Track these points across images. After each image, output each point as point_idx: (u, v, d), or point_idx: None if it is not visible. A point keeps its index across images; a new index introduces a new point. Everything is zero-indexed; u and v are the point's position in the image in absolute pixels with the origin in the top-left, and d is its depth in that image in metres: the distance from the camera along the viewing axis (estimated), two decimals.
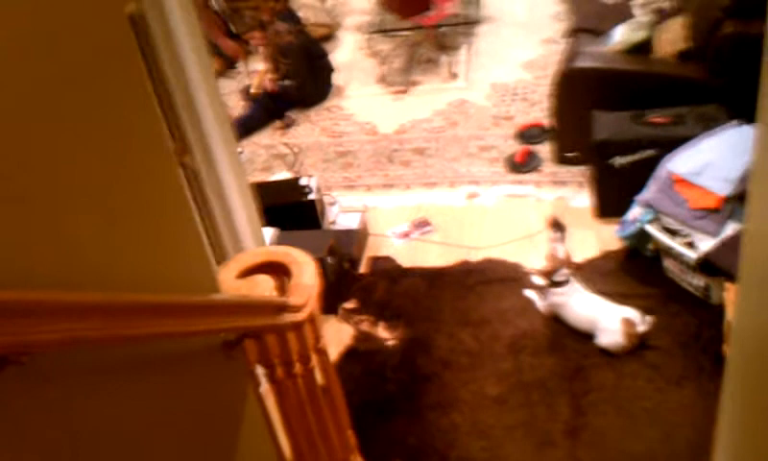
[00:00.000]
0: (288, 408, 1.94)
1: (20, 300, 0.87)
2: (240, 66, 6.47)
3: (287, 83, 5.52)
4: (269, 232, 3.61)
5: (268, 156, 5.19)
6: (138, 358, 1.27)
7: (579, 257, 3.65)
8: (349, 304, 3.70)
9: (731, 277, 2.82)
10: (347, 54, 6.31)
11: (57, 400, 1.02)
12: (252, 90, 5.56)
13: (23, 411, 0.96)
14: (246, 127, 5.43)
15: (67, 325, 0.94)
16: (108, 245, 1.21)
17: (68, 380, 1.06)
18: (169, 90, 2.75)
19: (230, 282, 1.94)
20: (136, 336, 1.15)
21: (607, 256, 3.67)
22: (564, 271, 3.29)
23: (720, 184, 3.27)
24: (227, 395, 1.69)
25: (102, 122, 1.23)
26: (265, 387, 1.95)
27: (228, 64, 6.48)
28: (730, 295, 2.83)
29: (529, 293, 3.50)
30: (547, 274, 3.32)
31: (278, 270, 2.07)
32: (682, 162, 3.42)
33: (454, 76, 5.63)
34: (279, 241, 3.55)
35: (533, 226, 3.95)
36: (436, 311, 3.55)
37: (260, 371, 1.87)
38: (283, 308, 1.83)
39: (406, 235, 4.15)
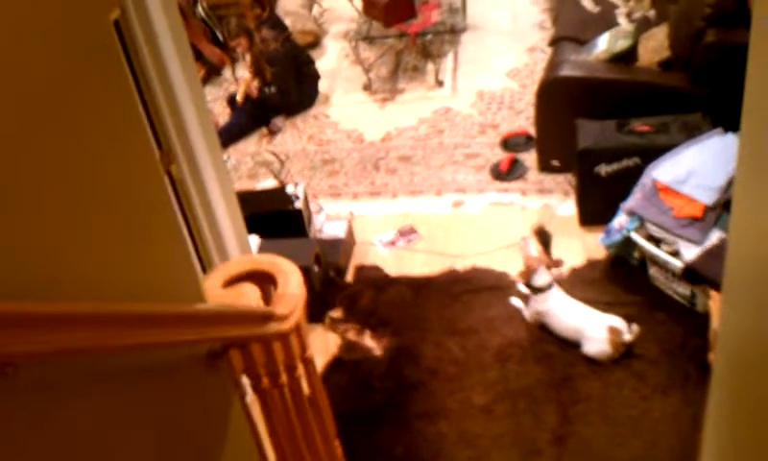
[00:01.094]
0: (274, 418, 1.93)
1: (2, 310, 0.86)
2: (225, 73, 6.45)
3: (272, 90, 5.51)
4: (254, 241, 3.59)
5: (254, 163, 5.18)
6: (122, 368, 1.26)
7: (560, 258, 3.65)
8: (336, 313, 3.68)
9: (715, 285, 2.83)
10: (332, 61, 6.31)
11: (40, 410, 1.01)
12: (238, 98, 5.54)
13: (5, 422, 0.94)
14: (231, 134, 5.42)
15: (50, 335, 0.93)
16: (91, 254, 1.20)
17: (51, 391, 1.05)
18: (154, 98, 2.74)
19: (215, 291, 1.93)
20: (120, 346, 1.14)
21: (592, 265, 3.68)
22: (544, 274, 3.29)
23: (704, 193, 3.29)
24: (212, 405, 1.68)
25: (86, 129, 1.22)
26: (250, 397, 1.93)
27: (213, 72, 6.46)
28: (715, 303, 2.85)
29: (515, 301, 3.51)
30: (526, 275, 3.32)
31: (264, 279, 2.06)
32: (666, 171, 3.44)
33: (440, 84, 5.64)
34: (265, 250, 3.54)
35: (518, 234, 3.94)
36: (422, 320, 3.54)
37: (246, 381, 1.86)
38: (269, 318, 1.81)
39: (392, 244, 4.14)
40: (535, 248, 3.36)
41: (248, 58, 5.67)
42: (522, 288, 3.48)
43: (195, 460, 1.55)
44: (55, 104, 1.14)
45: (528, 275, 3.31)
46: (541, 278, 3.29)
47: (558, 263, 3.50)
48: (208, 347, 1.62)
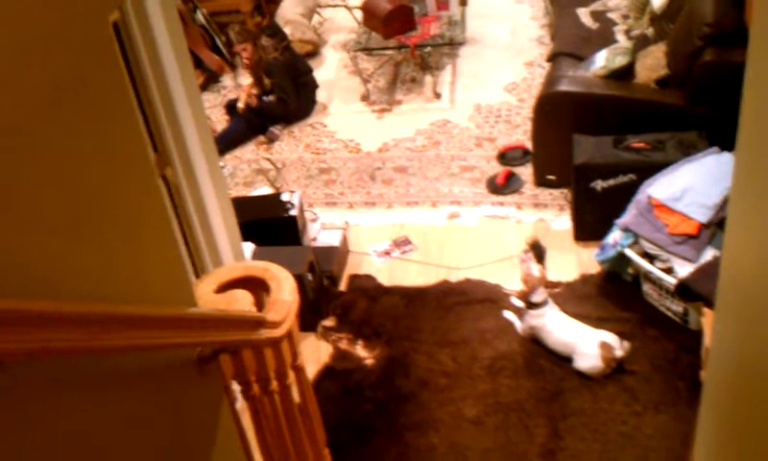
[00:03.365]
0: (264, 426, 1.92)
1: None
2: (224, 81, 6.45)
3: (271, 98, 5.52)
4: (249, 247, 3.58)
5: (250, 170, 5.17)
6: (111, 370, 1.25)
7: (557, 280, 3.66)
8: (328, 322, 3.68)
9: (708, 302, 2.83)
10: (331, 71, 6.32)
11: (25, 409, 1.00)
12: (239, 105, 5.54)
13: None
14: (229, 141, 5.41)
15: (37, 334, 0.92)
16: (83, 255, 1.19)
17: (38, 390, 1.04)
18: (151, 101, 2.73)
19: (208, 296, 1.92)
20: (109, 348, 1.13)
21: (586, 280, 3.68)
22: (541, 291, 3.29)
23: (699, 210, 3.30)
24: (201, 410, 1.67)
25: (81, 130, 1.22)
26: (240, 404, 1.93)
27: (211, 78, 6.46)
28: (707, 320, 2.85)
29: (508, 314, 3.50)
30: (525, 295, 3.32)
31: (257, 285, 2.06)
32: (661, 188, 3.45)
33: (437, 96, 5.66)
34: (259, 256, 3.53)
35: (513, 247, 3.96)
36: (415, 331, 3.53)
37: (236, 387, 1.85)
38: (260, 324, 1.81)
39: (387, 254, 4.14)
40: (535, 267, 3.36)
41: (247, 65, 5.68)
42: (516, 302, 3.48)
43: None
44: (51, 104, 1.13)
45: (527, 293, 3.31)
46: (539, 294, 3.29)
47: (556, 285, 3.50)
48: (199, 351, 1.62)
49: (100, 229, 1.25)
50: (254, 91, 5.57)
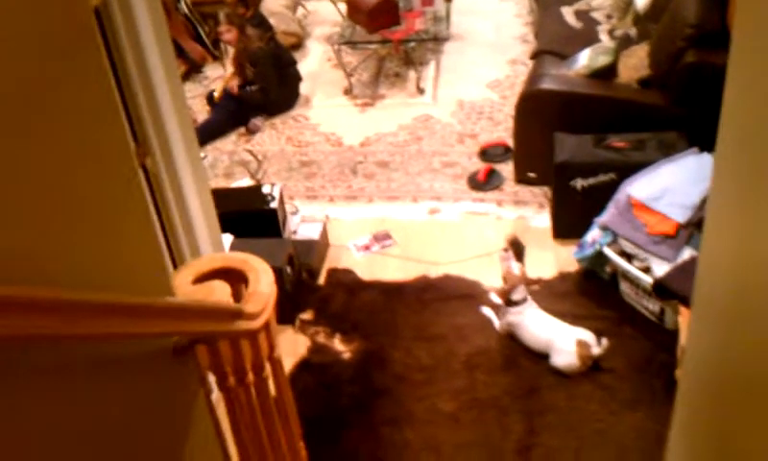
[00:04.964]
0: (239, 417, 1.91)
1: None
2: (206, 71, 6.42)
3: (252, 88, 5.49)
4: (228, 239, 3.57)
5: (230, 162, 5.14)
6: (85, 359, 1.23)
7: (536, 277, 3.67)
8: (306, 315, 3.67)
9: (685, 301, 2.86)
10: (314, 64, 6.30)
11: None
12: (216, 95, 5.51)
13: None
14: (210, 132, 5.38)
15: (11, 320, 0.91)
16: (59, 242, 1.17)
17: (11, 380, 1.02)
18: (133, 90, 2.71)
19: (185, 287, 1.90)
20: (84, 335, 1.12)
21: (564, 277, 3.69)
22: (521, 289, 3.30)
23: (678, 211, 3.32)
24: (176, 401, 1.65)
25: (61, 116, 1.20)
26: (216, 395, 1.91)
27: (193, 69, 6.42)
28: (683, 320, 2.87)
29: (486, 311, 3.51)
30: (505, 292, 3.33)
31: (235, 277, 2.04)
32: (641, 187, 3.47)
33: (421, 91, 5.66)
34: (238, 248, 3.51)
35: (493, 244, 3.96)
36: (393, 325, 3.53)
37: (212, 378, 1.84)
38: (238, 315, 1.79)
39: (367, 248, 4.13)
40: (516, 265, 3.37)
41: (230, 52, 5.65)
42: (495, 298, 3.49)
43: (156, 456, 1.53)
44: (30, 89, 1.12)
45: (508, 291, 3.32)
46: (518, 292, 3.30)
47: (534, 282, 3.53)
48: (175, 341, 1.60)
49: (77, 216, 1.23)
50: (236, 81, 5.54)
